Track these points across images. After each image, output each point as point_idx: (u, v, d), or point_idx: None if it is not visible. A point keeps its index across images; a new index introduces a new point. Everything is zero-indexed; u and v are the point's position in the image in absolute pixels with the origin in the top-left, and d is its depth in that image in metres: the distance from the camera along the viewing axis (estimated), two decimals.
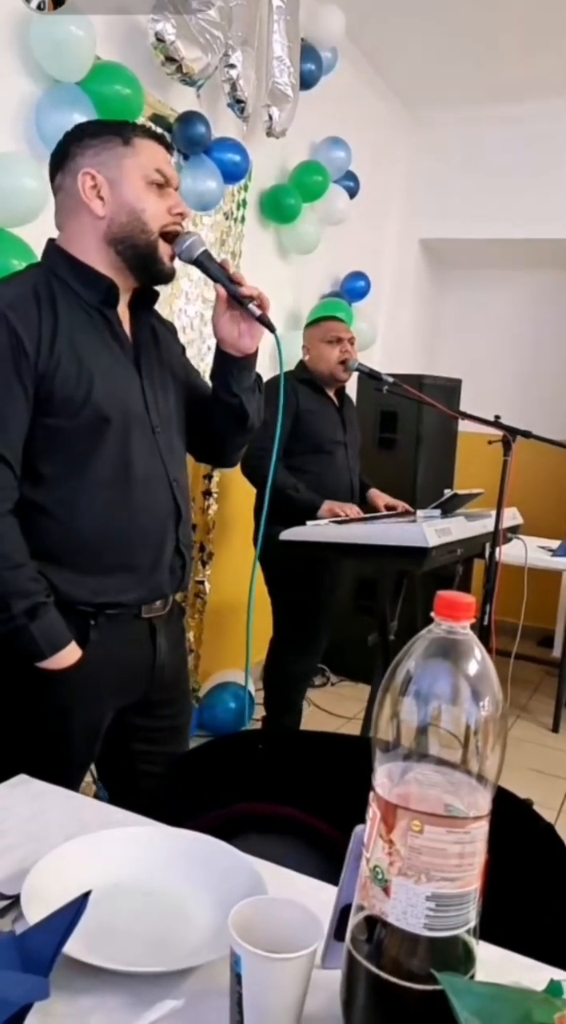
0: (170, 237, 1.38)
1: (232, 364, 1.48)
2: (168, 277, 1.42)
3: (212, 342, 1.52)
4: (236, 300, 1.41)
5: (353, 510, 2.76)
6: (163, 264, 1.39)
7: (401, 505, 3.09)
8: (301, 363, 3.02)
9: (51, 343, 1.28)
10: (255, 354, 1.50)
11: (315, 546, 2.54)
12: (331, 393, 2.98)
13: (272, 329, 1.43)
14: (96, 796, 1.68)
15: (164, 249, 1.37)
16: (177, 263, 1.42)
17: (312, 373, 2.94)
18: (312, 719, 3.54)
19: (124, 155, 1.34)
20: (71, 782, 1.36)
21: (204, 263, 1.40)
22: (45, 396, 1.28)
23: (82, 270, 1.35)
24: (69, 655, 1.30)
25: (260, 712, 3.18)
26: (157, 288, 1.48)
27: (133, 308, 1.44)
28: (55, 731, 1.35)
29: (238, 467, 2.60)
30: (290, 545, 2.53)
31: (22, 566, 1.27)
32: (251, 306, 1.40)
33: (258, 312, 1.40)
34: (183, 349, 1.61)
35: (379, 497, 3.11)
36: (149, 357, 1.44)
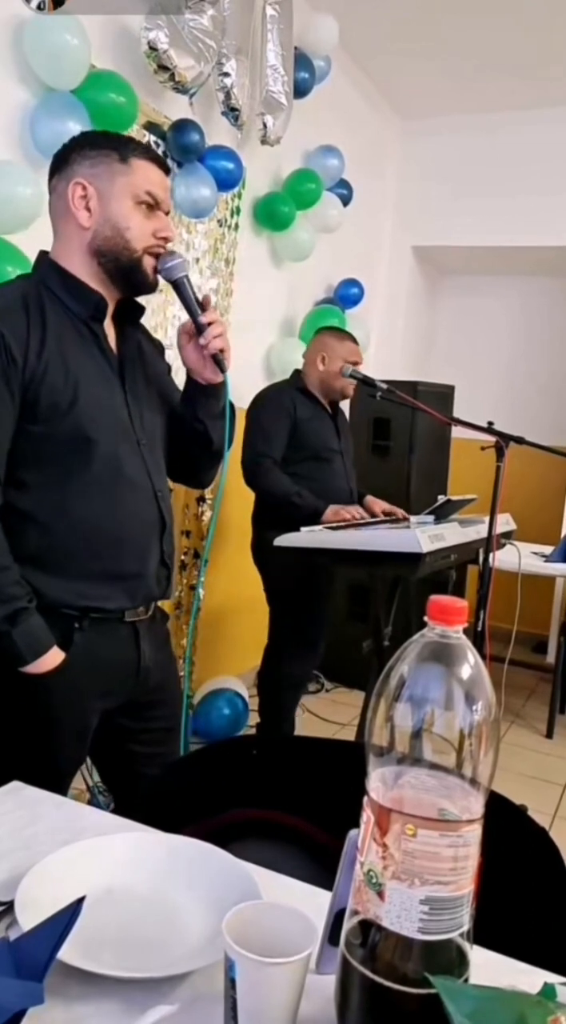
0: (155, 255, 1.40)
1: (199, 391, 1.51)
2: (150, 288, 1.44)
3: None
4: (199, 332, 1.44)
5: (357, 512, 2.77)
6: (145, 275, 1.40)
7: (399, 512, 3.09)
8: (297, 372, 3.02)
9: (39, 350, 1.29)
10: (222, 384, 1.52)
11: (309, 552, 2.55)
12: (326, 404, 2.99)
13: (223, 370, 1.46)
14: (90, 803, 1.68)
15: (148, 262, 1.40)
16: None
17: (314, 382, 2.94)
18: (307, 725, 3.54)
19: (119, 171, 1.35)
20: (60, 785, 1.37)
21: (181, 286, 1.43)
22: (31, 402, 1.29)
23: (72, 283, 1.37)
24: (51, 659, 1.31)
25: (254, 719, 3.18)
26: (143, 303, 1.50)
27: (119, 322, 1.46)
28: (42, 734, 1.36)
29: (230, 474, 2.61)
30: (289, 550, 2.54)
31: (5, 569, 1.28)
32: (203, 341, 1.43)
33: (212, 350, 1.44)
34: (169, 368, 1.63)
35: (376, 503, 3.12)
36: (133, 372, 1.46)
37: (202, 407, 1.52)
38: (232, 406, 1.59)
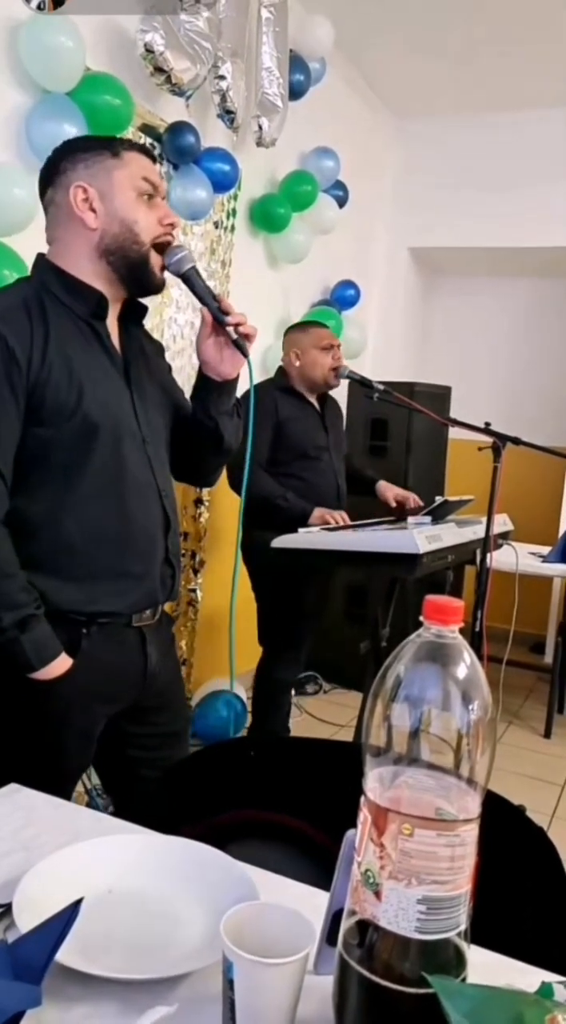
0: (161, 248, 1.40)
1: (212, 387, 1.51)
2: (158, 287, 1.44)
3: None
4: (217, 320, 1.43)
5: (343, 517, 2.76)
6: (154, 274, 1.40)
7: (412, 497, 3.06)
8: (281, 370, 2.99)
9: (43, 352, 1.29)
10: (235, 380, 1.52)
11: (306, 554, 2.55)
12: (313, 399, 2.96)
13: (246, 355, 1.45)
14: (89, 805, 1.68)
15: (155, 260, 1.40)
16: (167, 275, 1.44)
17: (296, 379, 2.92)
18: (305, 726, 3.54)
19: (114, 167, 1.36)
20: (64, 790, 1.37)
21: (191, 278, 1.43)
22: (37, 405, 1.28)
23: (72, 283, 1.37)
24: (59, 666, 1.30)
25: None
26: (146, 302, 1.50)
27: (123, 322, 1.46)
28: (48, 739, 1.36)
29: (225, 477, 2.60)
30: (278, 552, 2.53)
31: (12, 576, 1.28)
32: (229, 328, 1.42)
33: (235, 335, 1.43)
34: (169, 368, 1.63)
35: (388, 489, 3.09)
36: (138, 370, 1.46)
37: (214, 403, 1.52)
38: (239, 402, 1.58)
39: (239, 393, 1.58)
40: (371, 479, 3.12)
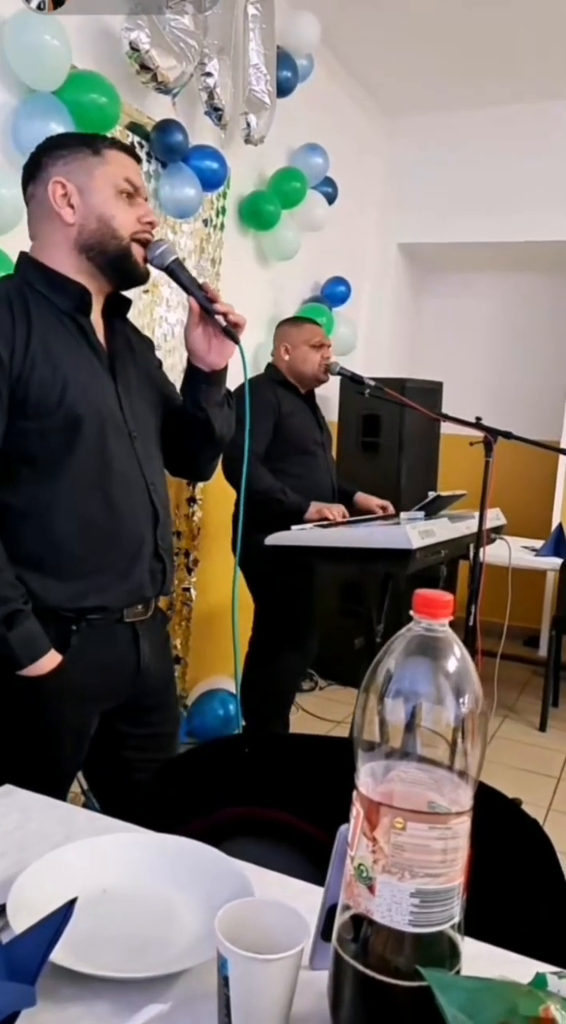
0: (142, 244, 1.41)
1: (201, 379, 1.51)
2: (142, 278, 1.44)
3: None
4: (205, 310, 1.43)
5: (340, 511, 2.76)
6: (137, 265, 1.41)
7: (388, 505, 3.07)
8: (271, 365, 2.98)
9: (25, 347, 1.29)
10: (224, 370, 1.52)
11: (300, 551, 2.55)
12: (303, 393, 2.96)
13: (236, 341, 1.45)
14: (84, 805, 1.68)
15: (137, 251, 1.40)
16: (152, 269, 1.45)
17: (287, 374, 2.91)
18: (301, 723, 3.54)
19: (94, 164, 1.36)
20: (59, 788, 1.37)
21: (175, 271, 1.43)
22: (20, 400, 1.29)
23: (55, 278, 1.37)
24: (47, 663, 1.30)
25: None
26: (130, 296, 1.50)
27: (107, 316, 1.46)
28: (41, 738, 1.35)
29: (220, 472, 2.60)
30: (273, 549, 2.53)
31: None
32: (217, 316, 1.42)
33: (223, 323, 1.42)
34: (160, 363, 1.63)
35: (368, 499, 3.09)
36: (124, 364, 1.45)
37: (204, 394, 1.51)
38: (231, 394, 1.58)
39: (232, 385, 1.58)
40: (349, 491, 3.09)
